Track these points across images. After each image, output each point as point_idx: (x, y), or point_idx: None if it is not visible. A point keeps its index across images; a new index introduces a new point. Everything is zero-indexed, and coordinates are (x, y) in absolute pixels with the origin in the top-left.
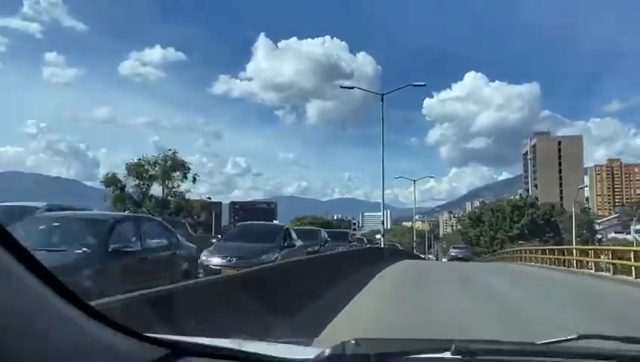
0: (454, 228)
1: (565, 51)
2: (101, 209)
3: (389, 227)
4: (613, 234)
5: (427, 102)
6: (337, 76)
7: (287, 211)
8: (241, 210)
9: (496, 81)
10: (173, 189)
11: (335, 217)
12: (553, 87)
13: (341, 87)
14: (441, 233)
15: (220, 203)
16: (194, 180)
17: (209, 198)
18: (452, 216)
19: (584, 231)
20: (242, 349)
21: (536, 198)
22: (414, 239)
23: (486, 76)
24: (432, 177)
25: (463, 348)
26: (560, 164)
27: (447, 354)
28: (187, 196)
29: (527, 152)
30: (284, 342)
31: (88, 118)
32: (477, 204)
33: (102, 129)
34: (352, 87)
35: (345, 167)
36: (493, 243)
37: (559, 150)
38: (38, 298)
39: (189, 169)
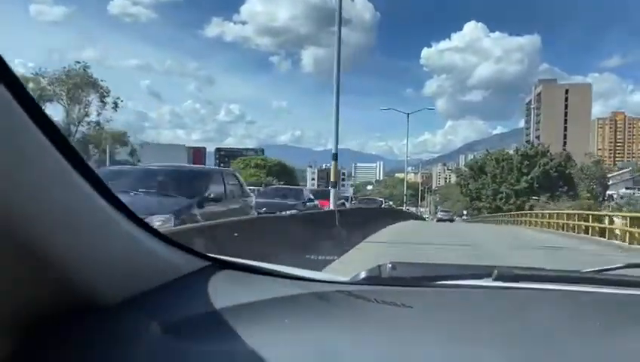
0: (448, 180)
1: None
2: None
3: (381, 178)
4: (624, 190)
5: (425, 52)
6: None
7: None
8: (227, 157)
9: (497, 32)
10: (86, 117)
11: (324, 166)
12: (554, 39)
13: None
14: (434, 185)
15: (204, 148)
16: (115, 106)
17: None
18: (446, 168)
19: (594, 186)
20: (280, 270)
21: (565, 143)
22: (405, 192)
23: (486, 27)
24: (432, 109)
25: (504, 274)
26: (566, 114)
27: (488, 281)
28: (107, 126)
29: (530, 101)
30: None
31: (77, 58)
32: (471, 157)
33: (92, 70)
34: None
35: (340, 116)
36: (497, 197)
37: (566, 99)
38: (91, 203)
39: (107, 91)
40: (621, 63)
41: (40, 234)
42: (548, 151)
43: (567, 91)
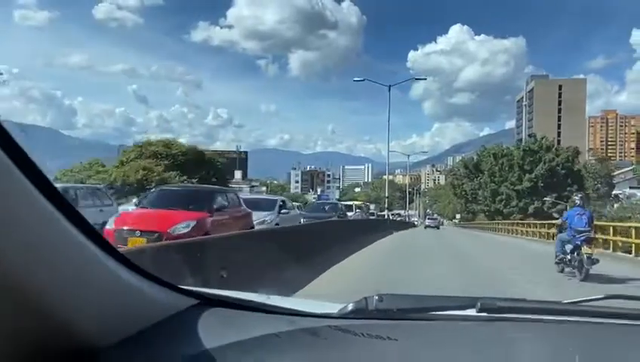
0: (437, 182)
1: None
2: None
3: (369, 180)
4: (629, 190)
5: (412, 54)
6: (321, 26)
7: (270, 164)
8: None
9: (482, 35)
10: None
11: (308, 167)
12: (538, 42)
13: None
14: (423, 187)
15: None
16: None
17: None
18: (435, 169)
19: (599, 186)
20: (267, 302)
21: (559, 141)
22: (387, 195)
23: (472, 29)
24: (425, 79)
25: (488, 305)
26: (560, 110)
27: (472, 311)
28: None
29: (521, 99)
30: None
31: (63, 64)
32: (459, 159)
33: (78, 76)
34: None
35: (328, 119)
36: (495, 199)
37: (560, 95)
38: (75, 245)
39: None
40: (606, 64)
41: (18, 276)
42: (553, 145)
43: (560, 87)
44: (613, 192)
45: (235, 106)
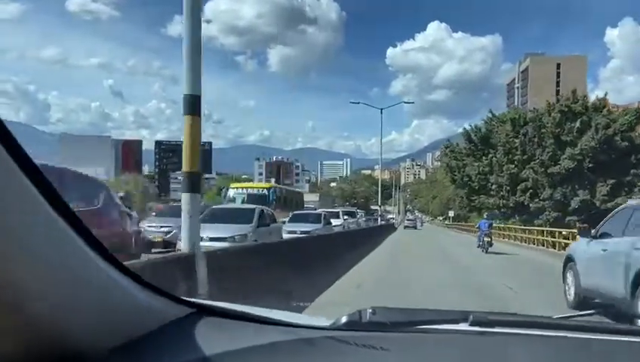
0: (417, 176)
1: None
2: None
3: (347, 175)
4: None
5: (391, 51)
6: (300, 21)
7: (251, 160)
8: (170, 151)
9: (460, 32)
10: None
11: (274, 158)
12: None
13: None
14: (403, 181)
15: (139, 142)
16: None
17: None
18: (414, 163)
19: None
20: (263, 314)
21: (605, 97)
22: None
23: (449, 27)
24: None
25: (480, 319)
26: (558, 92)
27: (464, 325)
28: None
29: (513, 81)
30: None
31: (36, 57)
32: (437, 155)
33: (51, 70)
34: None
35: (308, 116)
36: (516, 188)
37: (558, 75)
38: (72, 249)
39: None
40: None
41: (12, 276)
42: (604, 106)
43: (559, 65)
44: None
45: (213, 102)
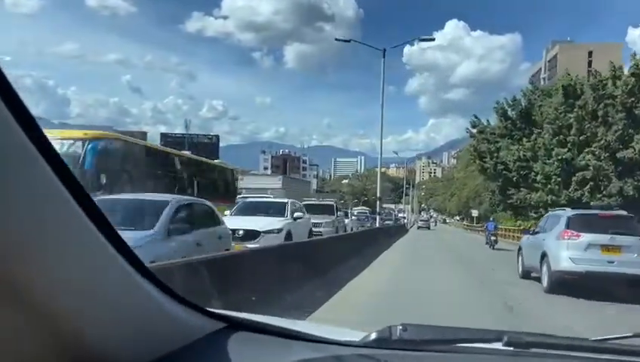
0: (433, 174)
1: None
2: None
3: (363, 170)
4: None
5: (407, 49)
6: (318, 18)
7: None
8: (176, 144)
9: (478, 31)
10: None
11: (281, 151)
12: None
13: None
14: (418, 180)
15: (145, 133)
16: None
17: None
18: (430, 161)
19: None
20: (293, 328)
21: None
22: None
23: (468, 25)
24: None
25: (515, 340)
26: None
27: (498, 345)
28: None
29: (538, 72)
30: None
31: (55, 53)
32: (454, 153)
33: (70, 65)
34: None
35: (323, 113)
36: (570, 180)
37: (589, 63)
38: (114, 267)
39: None
40: None
41: (53, 293)
42: None
43: (590, 53)
44: None
45: (230, 98)
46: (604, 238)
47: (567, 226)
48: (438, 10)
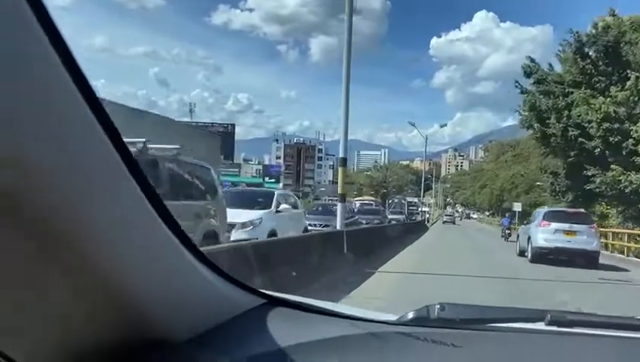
0: (460, 167)
1: None
2: None
3: (386, 162)
4: None
5: (434, 42)
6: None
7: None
8: None
9: (508, 22)
10: None
11: (295, 140)
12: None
13: None
14: (443, 173)
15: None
16: None
17: None
18: (457, 153)
19: None
20: (331, 308)
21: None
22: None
23: (497, 16)
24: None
25: (559, 318)
26: None
27: (541, 325)
28: None
29: None
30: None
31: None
32: (482, 145)
33: (99, 58)
34: None
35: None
36: None
37: None
38: (163, 240)
39: None
40: None
41: (114, 271)
42: None
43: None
44: None
45: (255, 92)
46: (565, 226)
47: (544, 218)
48: (466, 1)
